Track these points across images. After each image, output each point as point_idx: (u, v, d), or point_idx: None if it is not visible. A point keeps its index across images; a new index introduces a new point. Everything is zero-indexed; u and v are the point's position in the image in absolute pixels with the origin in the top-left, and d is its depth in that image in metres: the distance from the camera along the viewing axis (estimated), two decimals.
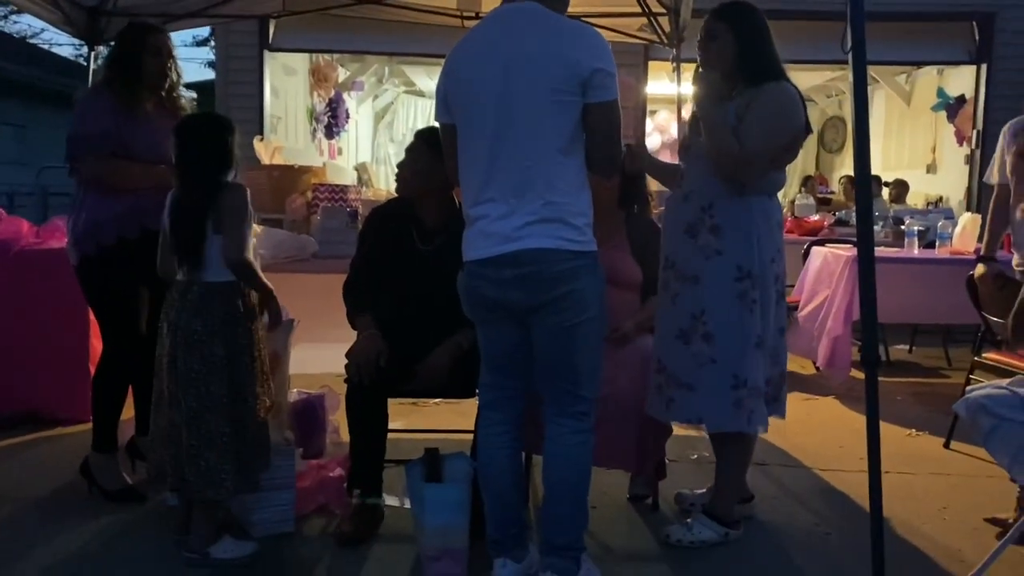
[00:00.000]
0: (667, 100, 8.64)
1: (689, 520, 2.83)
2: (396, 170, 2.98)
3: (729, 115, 2.61)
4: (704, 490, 3.07)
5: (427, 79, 10.56)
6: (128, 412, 3.24)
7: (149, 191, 3.01)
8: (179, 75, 3.23)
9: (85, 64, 4.14)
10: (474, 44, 2.32)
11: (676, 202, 2.77)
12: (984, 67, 7.41)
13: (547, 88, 2.18)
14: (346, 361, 2.79)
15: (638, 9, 4.50)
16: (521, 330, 2.34)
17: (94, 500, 3.04)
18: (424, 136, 2.89)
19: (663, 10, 4.51)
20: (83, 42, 4.10)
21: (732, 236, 2.63)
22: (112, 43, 3.45)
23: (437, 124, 2.48)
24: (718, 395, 2.65)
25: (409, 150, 2.93)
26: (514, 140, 2.21)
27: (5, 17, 22.74)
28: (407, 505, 2.85)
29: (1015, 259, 3.64)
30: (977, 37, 7.39)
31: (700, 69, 2.70)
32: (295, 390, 3.48)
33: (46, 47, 22.24)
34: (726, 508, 2.82)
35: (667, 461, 3.08)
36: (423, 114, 11.97)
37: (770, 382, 2.74)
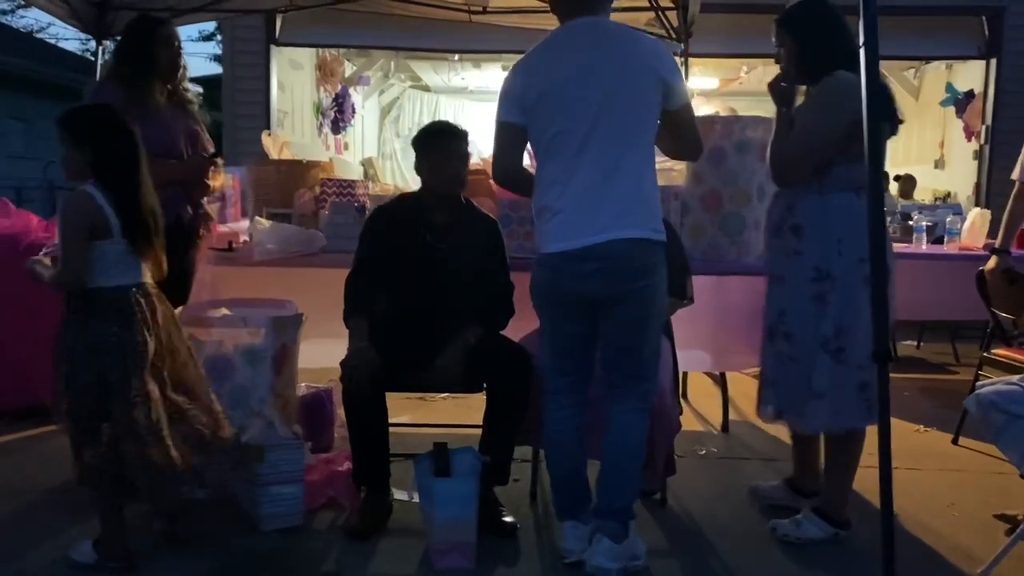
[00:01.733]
0: None
1: (798, 516, 2.83)
2: (428, 164, 2.90)
3: (793, 118, 2.69)
4: (777, 482, 3.13)
5: (433, 74, 10.54)
6: None
7: (158, 185, 3.01)
8: (186, 67, 3.22)
9: (92, 58, 4.15)
10: (556, 53, 2.49)
11: (771, 202, 2.90)
12: (993, 62, 7.37)
13: (636, 94, 2.42)
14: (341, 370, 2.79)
15: (646, 3, 4.49)
16: (590, 322, 2.50)
17: None
18: (465, 136, 2.91)
19: (672, 5, 4.50)
20: (90, 36, 4.11)
21: (811, 236, 2.66)
22: (120, 36, 3.43)
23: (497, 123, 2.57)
24: (797, 392, 2.70)
25: (458, 149, 2.90)
26: (604, 140, 2.39)
27: (12, 11, 22.78)
28: (415, 499, 2.86)
29: None
30: (987, 32, 7.36)
31: (775, 79, 2.79)
32: (303, 384, 3.49)
33: (52, 41, 22.27)
34: (835, 507, 2.81)
35: (676, 457, 3.07)
36: (429, 109, 11.95)
37: (868, 384, 2.62)
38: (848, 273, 2.61)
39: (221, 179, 3.42)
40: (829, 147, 2.60)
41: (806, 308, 2.67)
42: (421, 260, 2.89)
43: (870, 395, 2.61)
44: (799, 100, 2.79)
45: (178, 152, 3.08)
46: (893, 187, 7.87)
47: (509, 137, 2.55)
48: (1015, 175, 3.53)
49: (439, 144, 2.88)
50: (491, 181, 3.55)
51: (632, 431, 2.53)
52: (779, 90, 2.77)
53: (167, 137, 3.04)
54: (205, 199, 3.25)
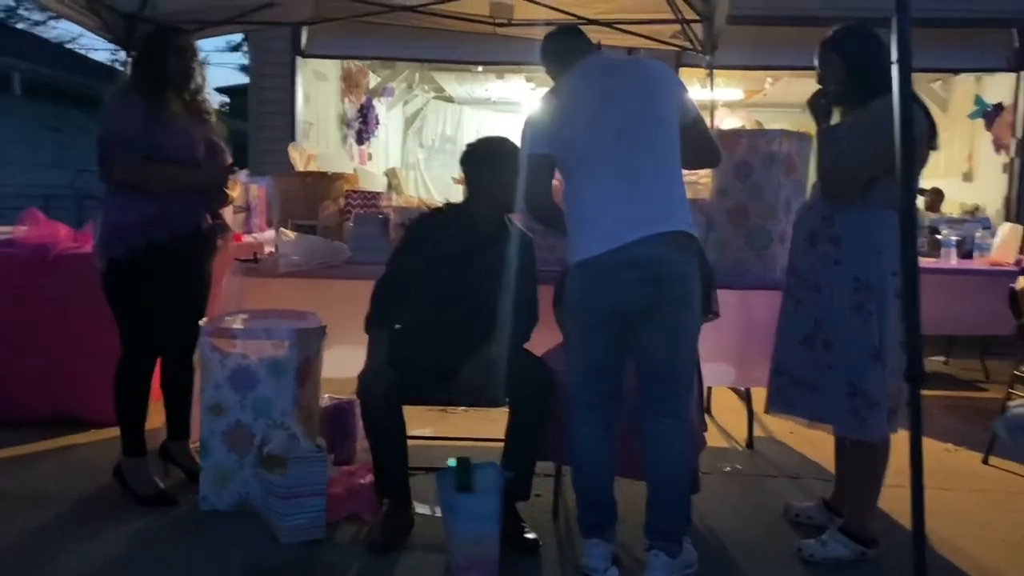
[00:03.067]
0: (701, 106, 8.58)
1: (824, 536, 2.81)
2: (482, 180, 2.91)
3: (839, 136, 2.72)
4: (813, 503, 3.10)
5: (456, 85, 10.58)
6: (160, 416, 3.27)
7: (179, 193, 3.04)
8: (204, 77, 3.22)
9: (121, 68, 4.19)
10: (574, 85, 2.63)
11: (802, 211, 2.94)
12: (1023, 74, 7.28)
13: (655, 109, 2.53)
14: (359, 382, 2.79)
15: (672, 16, 4.48)
16: (622, 336, 2.52)
17: (127, 503, 3.06)
18: (517, 152, 2.87)
19: (697, 17, 4.48)
20: (120, 47, 4.15)
21: (850, 247, 2.68)
22: (137, 47, 3.44)
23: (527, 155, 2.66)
24: (836, 400, 2.71)
25: (512, 165, 2.83)
26: (630, 152, 2.48)
27: (44, 23, 23.14)
28: (438, 513, 2.84)
29: None
30: (1016, 43, 7.27)
31: (816, 93, 2.82)
32: (326, 395, 3.49)
33: (83, 52, 22.62)
34: (860, 525, 2.78)
35: (700, 474, 3.03)
36: (452, 120, 12.00)
37: (895, 396, 2.69)
38: (883, 285, 2.65)
39: (237, 190, 3.44)
40: (882, 169, 2.63)
41: (847, 317, 2.67)
42: (462, 272, 2.89)
43: (891, 405, 2.70)
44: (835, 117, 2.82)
45: (197, 161, 3.09)
46: (920, 201, 7.78)
47: (538, 167, 2.63)
48: None
49: (496, 164, 2.86)
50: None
51: (672, 449, 2.52)
52: (818, 106, 2.80)
53: (186, 147, 3.05)
54: (223, 209, 3.25)
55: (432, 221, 3.07)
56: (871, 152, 2.64)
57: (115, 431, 3.17)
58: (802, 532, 2.99)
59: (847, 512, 2.85)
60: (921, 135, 2.61)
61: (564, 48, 2.75)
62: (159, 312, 3.08)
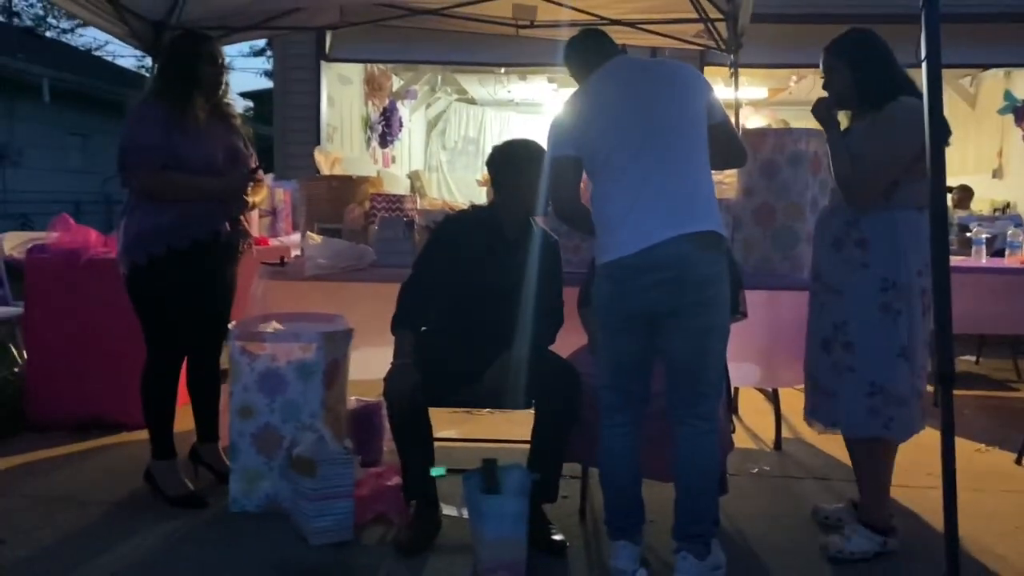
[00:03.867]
0: (725, 105, 8.54)
1: (846, 531, 2.83)
2: (509, 184, 2.89)
3: (852, 141, 2.72)
4: (843, 504, 3.09)
5: (479, 87, 10.61)
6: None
7: (197, 202, 3.06)
8: (229, 83, 3.23)
9: (148, 75, 4.24)
10: (600, 87, 2.62)
11: (824, 216, 2.92)
12: None
13: (682, 108, 2.53)
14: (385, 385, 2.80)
15: (695, 15, 4.46)
16: (650, 338, 2.51)
17: (158, 505, 3.09)
18: (544, 155, 2.87)
19: (721, 16, 4.46)
20: (147, 54, 4.21)
21: (878, 249, 2.68)
22: (164, 53, 3.44)
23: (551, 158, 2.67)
24: (855, 401, 2.71)
25: (539, 169, 2.83)
26: (658, 151, 2.47)
27: (72, 30, 23.49)
28: (465, 515, 2.85)
29: None
30: None
31: (820, 101, 2.82)
32: (353, 397, 3.51)
33: (110, 59, 22.91)
34: (876, 515, 2.81)
35: (728, 475, 3.02)
36: (475, 121, 12.03)
37: (921, 394, 2.74)
38: (911, 283, 2.66)
39: (263, 194, 3.45)
40: (900, 170, 2.64)
41: (874, 318, 2.67)
42: (489, 274, 2.90)
43: (924, 404, 2.75)
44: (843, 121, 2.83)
45: (216, 168, 3.10)
46: (948, 198, 7.69)
47: (564, 170, 2.63)
48: None
49: (523, 167, 2.85)
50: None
51: (701, 452, 2.51)
52: (826, 114, 2.80)
53: (206, 153, 3.06)
54: (244, 215, 3.27)
55: (458, 223, 3.08)
56: (889, 155, 2.65)
57: (143, 435, 3.21)
58: (833, 531, 2.96)
59: (862, 505, 2.87)
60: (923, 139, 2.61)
61: (589, 51, 2.75)
62: (182, 316, 3.11)
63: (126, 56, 32.02)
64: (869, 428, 2.72)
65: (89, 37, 27.15)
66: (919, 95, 2.61)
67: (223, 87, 3.18)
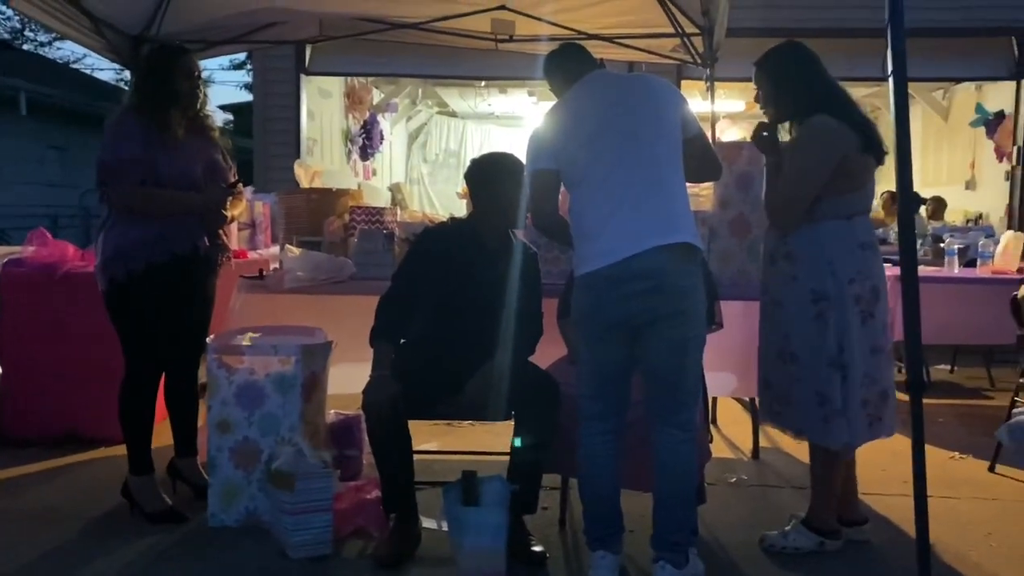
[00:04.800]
0: (701, 118, 8.63)
1: (787, 528, 2.92)
2: (487, 196, 2.92)
3: (782, 160, 2.81)
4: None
5: (460, 100, 10.64)
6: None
7: (176, 217, 3.05)
8: (207, 95, 3.23)
9: (126, 88, 4.22)
10: (577, 101, 2.66)
11: (767, 232, 2.99)
12: None
13: (657, 121, 2.56)
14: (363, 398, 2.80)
15: (672, 30, 4.51)
16: (629, 348, 2.53)
17: (136, 521, 3.08)
18: (522, 167, 2.89)
19: (697, 31, 4.52)
20: (125, 67, 4.19)
21: (804, 262, 2.75)
22: (140, 67, 3.41)
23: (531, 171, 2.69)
24: (808, 411, 2.78)
25: (517, 181, 2.87)
26: (634, 164, 2.50)
27: (49, 43, 23.34)
28: (444, 528, 2.85)
29: None
30: (1016, 52, 7.30)
31: (758, 127, 2.91)
32: (332, 411, 3.51)
33: (88, 72, 22.78)
34: (821, 518, 2.88)
35: (706, 484, 3.04)
36: (456, 134, 12.06)
37: (868, 402, 2.78)
38: (841, 294, 2.72)
39: (242, 206, 3.44)
40: (816, 188, 2.71)
41: (809, 329, 2.75)
42: (468, 286, 2.91)
43: (870, 411, 2.78)
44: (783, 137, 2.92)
45: (195, 183, 3.09)
46: (922, 209, 7.80)
47: (543, 182, 2.66)
48: None
49: (501, 179, 2.88)
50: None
51: (679, 461, 2.54)
52: (763, 141, 2.89)
53: (185, 168, 3.06)
54: (223, 229, 3.27)
55: (437, 236, 3.09)
56: (799, 178, 2.73)
57: (120, 450, 3.19)
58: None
59: (810, 507, 2.93)
60: (851, 150, 2.70)
61: (568, 64, 2.78)
62: (161, 331, 3.10)
63: (104, 69, 31.80)
64: (821, 436, 2.79)
65: (67, 50, 26.98)
66: (842, 112, 2.71)
67: (200, 100, 3.17)
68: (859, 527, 2.99)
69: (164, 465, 3.32)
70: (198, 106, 3.17)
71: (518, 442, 2.83)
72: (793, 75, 2.81)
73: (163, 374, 3.23)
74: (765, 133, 2.89)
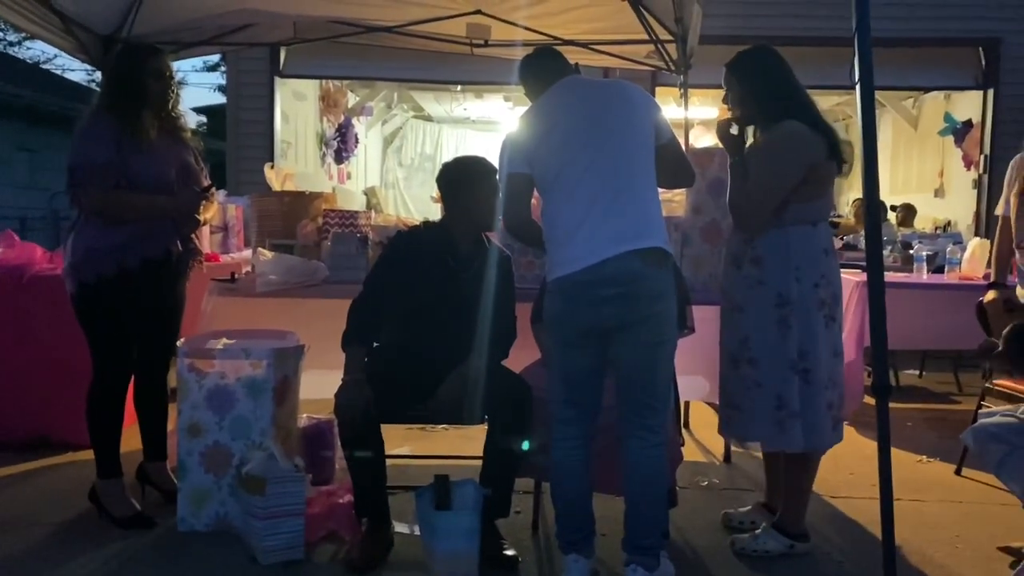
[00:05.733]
0: (675, 124, 8.69)
1: (757, 531, 2.94)
2: (461, 201, 2.93)
3: (748, 166, 2.83)
4: (749, 507, 3.20)
5: (435, 104, 10.65)
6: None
7: (149, 220, 3.02)
8: (178, 95, 3.19)
9: (97, 89, 4.18)
10: (551, 105, 2.67)
11: (729, 236, 3.03)
12: (991, 92, 7.44)
13: (630, 127, 2.58)
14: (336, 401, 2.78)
15: (646, 37, 4.55)
16: (601, 352, 2.55)
17: (104, 526, 3.04)
18: (495, 171, 2.90)
19: (671, 38, 4.55)
20: (96, 68, 4.15)
21: (771, 266, 2.78)
22: (110, 67, 3.37)
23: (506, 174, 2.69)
24: (763, 415, 2.80)
25: (491, 185, 2.90)
26: (606, 170, 2.51)
27: (19, 43, 23.03)
28: (416, 532, 2.85)
29: (1019, 290, 3.64)
30: (983, 62, 7.43)
31: (721, 122, 2.93)
32: (305, 415, 3.49)
33: (59, 72, 22.49)
34: (792, 521, 2.92)
35: (677, 488, 3.06)
36: (431, 138, 12.06)
37: (832, 405, 2.83)
38: (805, 298, 2.76)
39: (214, 210, 3.41)
40: (785, 192, 2.75)
41: (771, 333, 2.78)
42: (442, 290, 2.91)
43: (836, 414, 2.84)
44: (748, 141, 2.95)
45: (169, 186, 3.06)
46: (892, 216, 7.92)
47: (517, 186, 2.66)
48: (999, 210, 3.61)
49: (474, 183, 2.89)
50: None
51: (650, 464, 2.55)
52: (730, 140, 2.90)
53: (158, 171, 3.02)
54: (195, 232, 3.24)
55: (409, 240, 3.08)
56: (768, 181, 2.76)
57: (88, 455, 3.15)
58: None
59: (782, 511, 2.96)
60: (820, 158, 2.75)
61: (542, 69, 2.79)
62: (129, 333, 3.07)
63: (75, 70, 31.43)
64: (778, 441, 2.81)
65: (37, 50, 26.63)
66: (809, 118, 2.75)
67: (172, 101, 3.14)
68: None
69: (133, 470, 3.28)
70: (170, 107, 3.13)
71: (491, 446, 2.83)
72: (763, 79, 2.84)
73: (132, 377, 3.19)
74: (733, 132, 2.90)
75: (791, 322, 2.74)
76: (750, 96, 2.84)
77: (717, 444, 4.17)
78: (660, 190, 2.69)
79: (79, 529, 3.04)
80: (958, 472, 3.90)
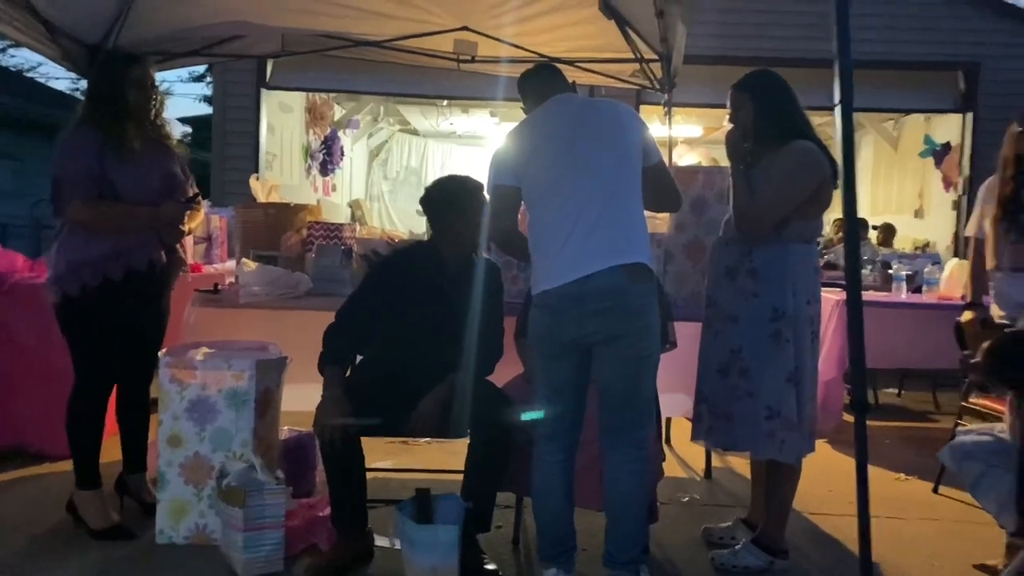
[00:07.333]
0: (659, 142, 8.75)
1: (737, 547, 2.96)
2: (450, 222, 2.92)
3: (752, 177, 2.86)
4: (729, 523, 3.21)
5: (422, 118, 10.68)
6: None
7: (133, 231, 3.01)
8: (162, 103, 3.16)
9: (82, 98, 4.16)
10: (541, 121, 2.71)
11: (719, 246, 3.04)
12: (970, 115, 7.56)
13: (617, 146, 2.60)
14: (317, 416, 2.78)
15: (631, 55, 4.59)
16: (585, 366, 2.58)
17: (82, 537, 3.01)
18: (482, 188, 2.92)
19: (655, 57, 4.60)
20: (82, 76, 4.13)
21: (768, 279, 2.82)
22: (91, 76, 3.35)
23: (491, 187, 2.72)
24: (753, 425, 2.83)
25: (480, 204, 2.91)
26: (593, 187, 2.53)
27: (3, 51, 22.89)
28: (397, 546, 2.84)
29: (994, 310, 3.69)
30: (963, 86, 7.54)
31: (729, 136, 2.96)
32: (286, 428, 3.48)
33: (43, 81, 22.37)
34: (772, 537, 2.94)
35: (658, 503, 3.07)
36: (417, 152, 12.08)
37: (812, 417, 2.89)
38: (799, 313, 2.81)
39: (199, 219, 3.40)
40: (793, 208, 2.80)
41: (766, 345, 2.81)
42: (430, 308, 2.91)
43: (811, 427, 2.90)
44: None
45: (153, 197, 3.05)
46: (873, 236, 8.01)
47: (503, 198, 2.68)
48: (970, 231, 3.66)
49: (459, 205, 2.89)
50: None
51: (631, 479, 2.57)
52: (738, 146, 2.94)
53: (142, 182, 3.01)
54: (179, 243, 3.23)
55: (397, 262, 3.08)
56: (784, 194, 2.80)
57: (70, 465, 3.12)
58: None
59: (763, 527, 2.98)
60: (827, 178, 2.80)
61: (539, 84, 2.82)
62: (113, 345, 3.05)
63: (60, 78, 31.27)
64: (767, 450, 2.84)
65: (21, 58, 26.51)
66: (816, 139, 2.80)
67: (155, 111, 3.12)
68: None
69: (112, 481, 3.25)
70: (153, 116, 3.12)
71: (472, 460, 2.83)
72: (776, 100, 2.89)
73: (114, 387, 3.17)
74: (744, 143, 2.92)
75: (787, 335, 2.79)
76: (761, 115, 2.87)
77: (698, 460, 4.18)
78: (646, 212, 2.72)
79: (57, 540, 3.01)
80: (935, 490, 3.94)
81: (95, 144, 2.95)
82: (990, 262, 3.45)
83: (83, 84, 4.07)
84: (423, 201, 3.01)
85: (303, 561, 2.88)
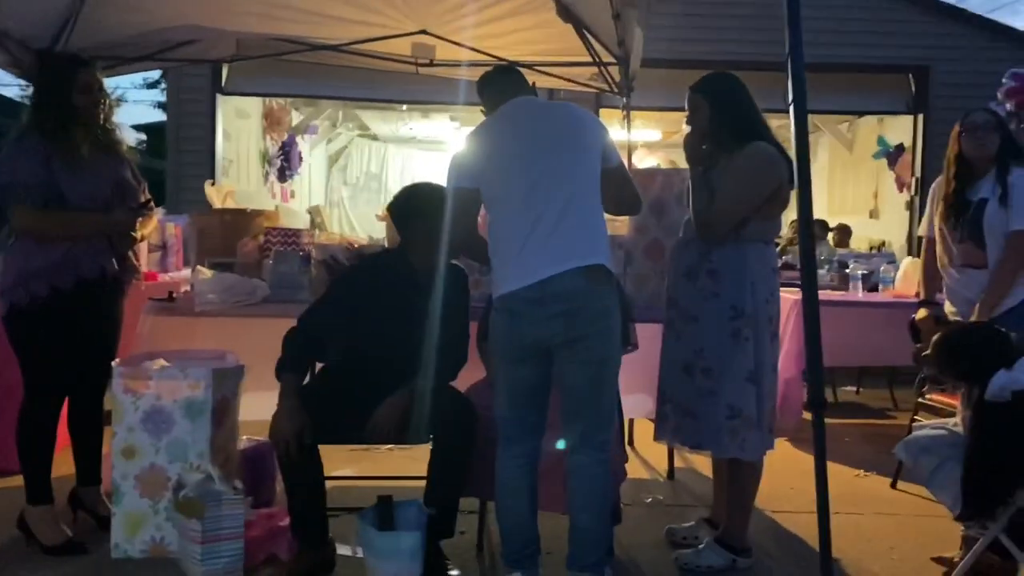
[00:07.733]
0: (619, 145, 8.79)
1: (700, 546, 2.97)
2: (418, 230, 2.88)
3: (711, 179, 2.88)
4: (692, 523, 3.23)
5: (381, 123, 10.61)
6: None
7: (83, 239, 2.94)
8: (111, 108, 3.10)
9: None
10: (500, 123, 2.71)
11: (679, 247, 3.07)
12: (920, 117, 7.71)
13: (576, 148, 2.60)
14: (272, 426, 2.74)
15: (589, 59, 4.61)
16: (546, 369, 2.57)
17: (34, 554, 2.93)
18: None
19: (613, 60, 4.62)
20: (30, 83, 4.04)
21: (727, 279, 2.84)
22: (35, 80, 3.27)
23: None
24: (715, 424, 2.85)
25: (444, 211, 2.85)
26: (552, 189, 2.53)
27: None
28: (360, 554, 2.81)
29: (947, 306, 3.76)
30: (913, 88, 7.70)
31: (687, 139, 2.97)
32: (244, 437, 3.42)
33: None
34: (735, 536, 2.96)
35: (622, 505, 3.08)
36: (377, 157, 12.00)
37: (771, 415, 2.91)
38: (758, 312, 2.84)
39: (152, 226, 3.34)
40: (752, 209, 2.83)
41: (726, 344, 2.84)
42: (399, 316, 2.87)
43: (770, 424, 2.93)
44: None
45: (103, 203, 2.98)
46: (829, 236, 8.13)
47: (463, 201, 2.67)
48: (922, 231, 3.73)
49: (431, 215, 2.82)
50: None
51: (594, 481, 2.56)
52: (696, 149, 2.96)
53: (91, 188, 2.95)
54: (132, 250, 3.17)
55: (363, 271, 3.06)
56: (744, 195, 2.83)
57: (20, 480, 3.04)
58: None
59: (725, 525, 3.01)
60: (785, 180, 2.84)
61: (502, 87, 2.81)
62: (64, 356, 2.98)
63: (9, 85, 30.56)
64: (729, 449, 2.87)
65: None
66: (774, 141, 2.84)
67: (103, 115, 3.05)
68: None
69: (64, 495, 3.17)
70: (101, 121, 3.04)
71: (435, 466, 2.81)
72: (733, 102, 2.92)
73: (65, 400, 3.10)
74: (703, 145, 2.95)
75: (747, 334, 2.82)
76: (719, 117, 2.90)
77: (661, 461, 4.20)
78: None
79: (7, 558, 2.92)
80: (893, 485, 4.00)
81: (41, 152, 2.88)
82: (942, 260, 3.51)
83: (31, 91, 3.98)
84: (391, 208, 2.99)
85: (263, 572, 2.84)
